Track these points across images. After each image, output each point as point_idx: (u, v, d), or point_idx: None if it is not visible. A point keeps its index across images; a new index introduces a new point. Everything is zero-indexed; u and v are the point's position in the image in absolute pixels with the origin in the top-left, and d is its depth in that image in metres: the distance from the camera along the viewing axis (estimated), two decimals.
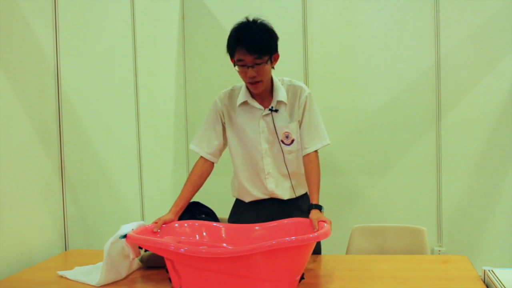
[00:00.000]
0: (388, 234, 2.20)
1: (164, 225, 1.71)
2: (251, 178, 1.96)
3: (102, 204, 2.37)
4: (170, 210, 1.79)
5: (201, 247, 1.64)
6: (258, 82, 1.81)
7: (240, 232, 1.74)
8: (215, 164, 1.99)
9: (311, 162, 1.88)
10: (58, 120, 2.03)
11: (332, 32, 3.34)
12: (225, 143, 2.00)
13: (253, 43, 1.74)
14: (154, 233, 1.67)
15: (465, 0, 3.16)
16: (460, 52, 3.18)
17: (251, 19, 1.80)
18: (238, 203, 2.05)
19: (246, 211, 2.00)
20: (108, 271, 1.56)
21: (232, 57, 1.80)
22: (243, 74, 1.81)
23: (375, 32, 3.29)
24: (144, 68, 2.81)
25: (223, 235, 1.74)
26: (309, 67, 3.35)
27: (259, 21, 1.80)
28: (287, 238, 1.41)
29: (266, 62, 1.78)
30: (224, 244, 1.72)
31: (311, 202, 1.78)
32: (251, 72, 1.77)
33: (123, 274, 1.63)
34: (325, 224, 1.56)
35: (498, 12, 3.11)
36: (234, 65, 1.81)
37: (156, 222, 1.71)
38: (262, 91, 1.87)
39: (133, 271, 1.69)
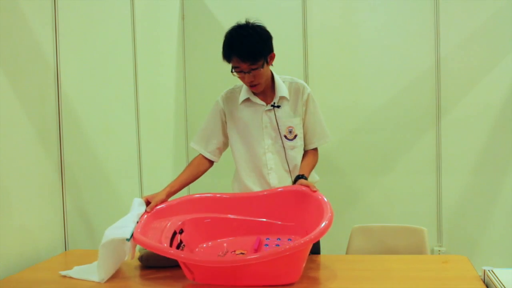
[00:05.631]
0: (388, 234, 2.20)
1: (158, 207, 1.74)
2: (253, 174, 1.97)
3: (102, 204, 2.37)
4: (164, 190, 1.80)
5: (206, 220, 1.75)
6: (257, 84, 1.85)
7: (242, 202, 1.80)
8: (214, 164, 2.01)
9: (310, 151, 2.00)
10: (58, 120, 2.03)
11: (332, 32, 3.34)
12: (225, 143, 2.01)
13: (245, 52, 1.76)
14: (153, 215, 1.67)
15: (465, 0, 3.16)
16: (460, 52, 3.18)
17: (243, 22, 1.82)
18: None
19: None
20: (106, 265, 1.56)
21: (228, 63, 1.83)
22: (241, 79, 1.86)
23: (375, 32, 3.29)
24: (144, 68, 2.81)
25: (226, 206, 1.80)
26: (309, 67, 3.35)
27: (250, 24, 1.81)
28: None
29: (262, 66, 1.80)
30: (230, 215, 1.79)
31: (299, 173, 1.86)
32: (248, 77, 1.82)
33: (119, 263, 1.63)
34: (323, 223, 1.54)
35: (498, 12, 3.11)
36: (232, 71, 1.83)
37: (148, 200, 1.73)
38: (263, 89, 1.91)
39: (133, 270, 1.69)
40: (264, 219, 1.79)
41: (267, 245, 1.72)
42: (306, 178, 1.82)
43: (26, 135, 1.85)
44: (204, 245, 1.74)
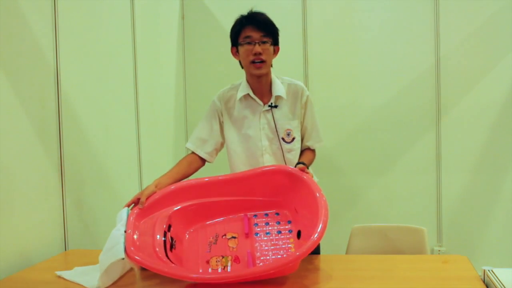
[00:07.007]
0: (388, 234, 2.20)
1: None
2: None
3: (102, 204, 2.37)
4: (153, 183, 1.78)
5: (190, 207, 1.73)
6: (262, 61, 1.83)
7: (225, 184, 1.79)
8: (212, 162, 2.01)
9: (308, 149, 2.00)
10: (58, 120, 2.03)
11: (332, 31, 3.34)
12: (221, 143, 2.00)
13: (261, 21, 1.82)
14: (138, 216, 1.64)
15: (465, 0, 3.16)
16: (460, 52, 3.18)
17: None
18: None
19: None
20: (107, 275, 1.54)
21: (237, 38, 1.84)
22: (248, 53, 1.83)
23: (375, 32, 3.29)
24: (144, 68, 2.81)
25: (209, 190, 1.79)
26: (309, 67, 3.35)
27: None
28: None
29: (271, 44, 1.83)
30: (214, 199, 1.78)
31: (299, 160, 1.88)
32: (257, 48, 1.81)
33: (119, 273, 1.61)
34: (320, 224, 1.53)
35: (498, 12, 3.11)
36: (237, 48, 1.84)
37: (138, 198, 1.69)
38: (262, 85, 1.90)
39: (131, 271, 1.68)
40: (249, 197, 1.78)
41: (256, 224, 1.72)
42: (305, 165, 1.79)
43: (26, 135, 1.85)
44: (191, 230, 1.73)
